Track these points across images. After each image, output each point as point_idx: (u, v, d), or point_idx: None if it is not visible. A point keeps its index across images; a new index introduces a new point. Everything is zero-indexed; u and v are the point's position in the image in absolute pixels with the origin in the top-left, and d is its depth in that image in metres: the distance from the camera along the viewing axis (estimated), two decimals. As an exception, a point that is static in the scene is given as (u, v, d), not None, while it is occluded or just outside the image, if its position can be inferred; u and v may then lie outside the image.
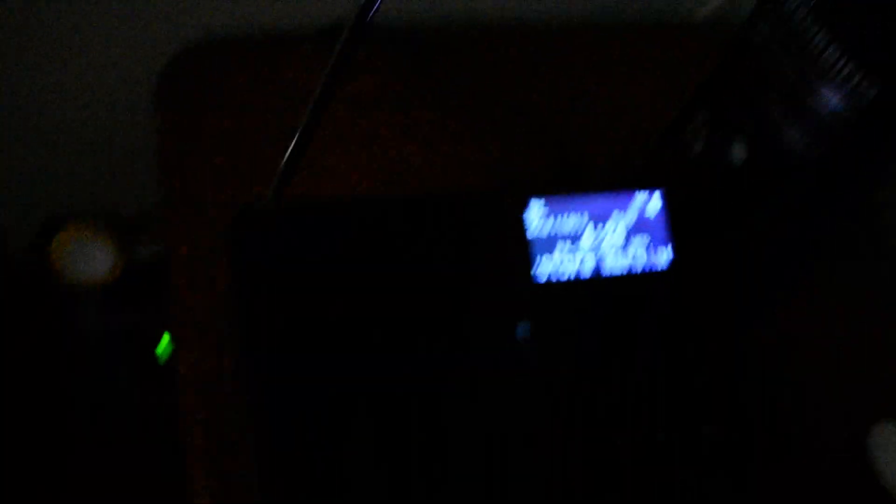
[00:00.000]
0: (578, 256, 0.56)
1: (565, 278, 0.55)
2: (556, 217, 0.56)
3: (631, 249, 0.57)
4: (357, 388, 0.52)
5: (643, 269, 0.56)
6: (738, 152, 0.58)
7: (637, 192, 0.58)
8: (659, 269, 0.57)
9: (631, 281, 0.56)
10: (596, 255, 0.56)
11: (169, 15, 0.68)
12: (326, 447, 0.50)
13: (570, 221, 0.56)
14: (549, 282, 0.55)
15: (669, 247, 0.57)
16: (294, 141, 0.57)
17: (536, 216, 0.56)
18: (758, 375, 0.60)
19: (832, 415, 0.63)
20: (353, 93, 0.70)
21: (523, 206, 0.56)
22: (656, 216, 0.57)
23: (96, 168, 0.77)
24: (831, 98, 0.51)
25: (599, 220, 0.57)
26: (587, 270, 0.56)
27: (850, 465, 0.62)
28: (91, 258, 0.72)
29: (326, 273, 0.54)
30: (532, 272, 0.55)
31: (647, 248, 0.57)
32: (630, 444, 0.53)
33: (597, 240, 0.56)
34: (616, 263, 0.56)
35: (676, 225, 0.57)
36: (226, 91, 0.69)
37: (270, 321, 0.52)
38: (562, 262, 0.56)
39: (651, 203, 0.58)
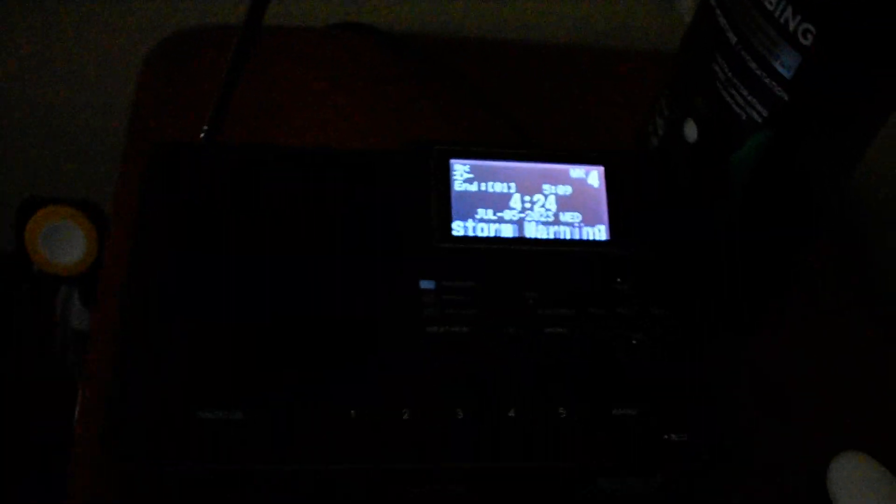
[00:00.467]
0: (501, 220, 0.52)
1: (483, 235, 0.52)
2: (481, 181, 0.53)
3: (560, 222, 0.52)
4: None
5: (567, 239, 0.52)
6: (690, 130, 0.54)
7: (575, 166, 0.54)
8: (586, 240, 0.52)
9: (552, 248, 0.52)
10: (519, 222, 0.52)
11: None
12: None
13: (497, 186, 0.53)
14: (465, 237, 0.51)
15: (604, 226, 0.53)
16: (222, 84, 0.56)
17: (461, 176, 0.53)
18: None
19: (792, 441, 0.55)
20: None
21: (447, 164, 0.53)
22: (594, 193, 0.53)
23: (84, 159, 0.77)
24: (771, 50, 0.47)
25: (529, 189, 0.53)
26: (508, 233, 0.52)
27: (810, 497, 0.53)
28: (63, 241, 0.71)
29: (230, 213, 0.51)
30: (450, 229, 0.51)
31: (579, 224, 0.52)
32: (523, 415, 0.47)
33: (523, 208, 0.52)
34: (539, 234, 0.52)
35: (617, 204, 0.53)
36: (209, 79, 0.69)
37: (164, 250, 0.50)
38: (482, 223, 0.52)
39: (589, 179, 0.53)
